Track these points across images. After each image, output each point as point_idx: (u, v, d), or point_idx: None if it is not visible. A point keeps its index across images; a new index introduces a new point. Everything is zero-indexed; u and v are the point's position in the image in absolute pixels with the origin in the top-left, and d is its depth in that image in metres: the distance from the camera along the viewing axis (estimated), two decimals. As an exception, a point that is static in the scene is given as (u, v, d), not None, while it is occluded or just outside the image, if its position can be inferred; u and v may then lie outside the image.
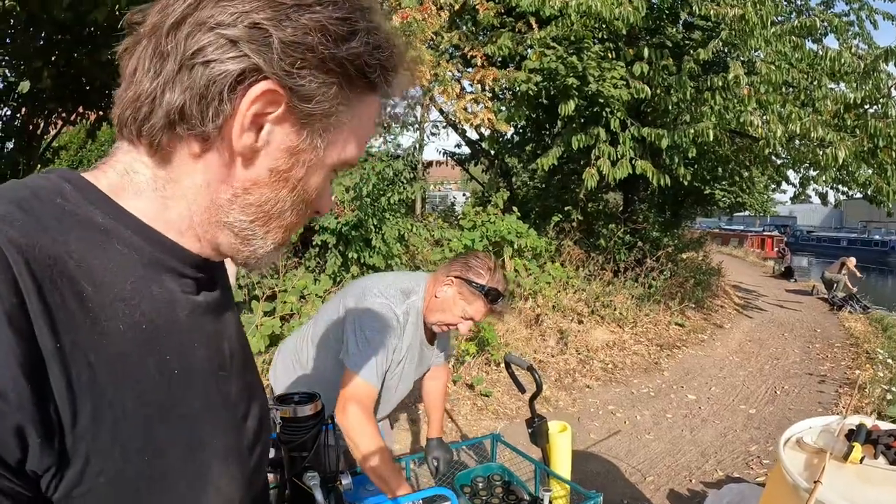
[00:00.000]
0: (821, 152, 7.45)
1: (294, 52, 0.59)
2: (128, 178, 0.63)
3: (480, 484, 2.57)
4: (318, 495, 1.59)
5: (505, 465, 2.70)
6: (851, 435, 2.16)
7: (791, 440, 2.24)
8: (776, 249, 27.27)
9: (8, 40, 5.52)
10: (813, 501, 1.76)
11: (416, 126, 9.46)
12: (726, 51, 8.91)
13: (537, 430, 2.64)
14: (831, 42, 9.35)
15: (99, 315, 0.55)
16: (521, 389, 2.88)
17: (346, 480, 1.77)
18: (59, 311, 0.52)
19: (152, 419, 0.59)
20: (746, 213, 21.89)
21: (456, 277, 2.19)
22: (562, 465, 2.63)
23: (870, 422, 2.26)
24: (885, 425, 2.26)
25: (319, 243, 6.05)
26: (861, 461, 2.01)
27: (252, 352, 0.85)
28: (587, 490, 2.29)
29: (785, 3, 10.03)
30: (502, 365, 6.45)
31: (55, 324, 0.51)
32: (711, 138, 7.86)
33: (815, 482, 1.82)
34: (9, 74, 6.03)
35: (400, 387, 2.37)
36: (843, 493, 1.82)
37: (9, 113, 6.18)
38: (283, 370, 2.46)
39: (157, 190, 0.63)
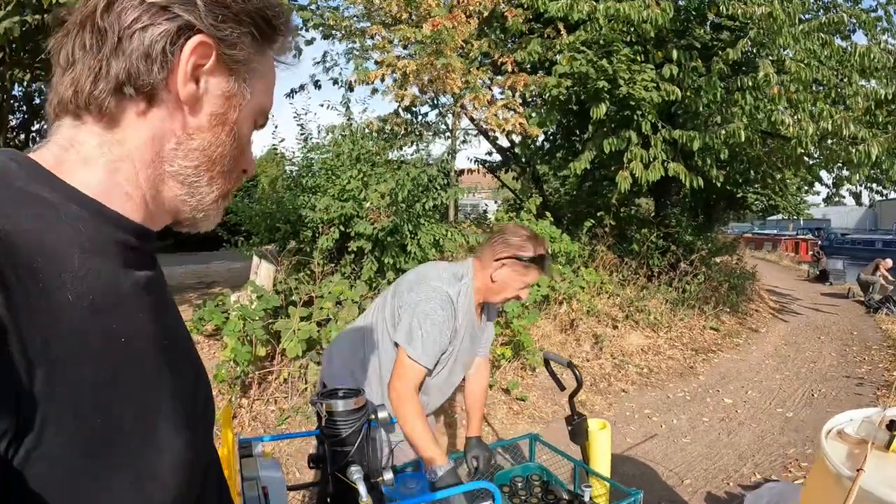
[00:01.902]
0: (853, 150, 7.34)
1: (215, 8, 0.70)
2: (73, 150, 0.69)
3: (519, 484, 2.56)
4: (362, 488, 1.58)
5: (543, 465, 2.72)
6: (892, 425, 2.16)
7: (832, 431, 2.25)
8: (811, 253, 26.84)
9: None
10: (857, 489, 1.77)
11: (448, 134, 9.53)
12: (755, 50, 8.83)
13: (577, 428, 2.65)
14: (860, 38, 9.22)
15: (49, 285, 0.57)
16: (561, 387, 2.91)
17: (388, 476, 1.79)
18: (12, 278, 0.54)
19: (103, 383, 0.60)
20: (779, 216, 21.58)
21: (507, 258, 2.36)
22: (601, 462, 2.63)
23: (911, 414, 2.25)
24: (926, 417, 2.25)
25: (355, 249, 6.12)
26: (904, 451, 2.01)
27: (190, 335, 0.88)
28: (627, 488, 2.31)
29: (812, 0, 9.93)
30: (538, 369, 6.46)
31: (9, 292, 0.53)
32: (743, 139, 7.79)
33: (857, 470, 1.82)
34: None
35: (456, 368, 2.49)
36: (886, 481, 1.81)
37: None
38: (339, 361, 2.55)
39: (104, 155, 0.69)
